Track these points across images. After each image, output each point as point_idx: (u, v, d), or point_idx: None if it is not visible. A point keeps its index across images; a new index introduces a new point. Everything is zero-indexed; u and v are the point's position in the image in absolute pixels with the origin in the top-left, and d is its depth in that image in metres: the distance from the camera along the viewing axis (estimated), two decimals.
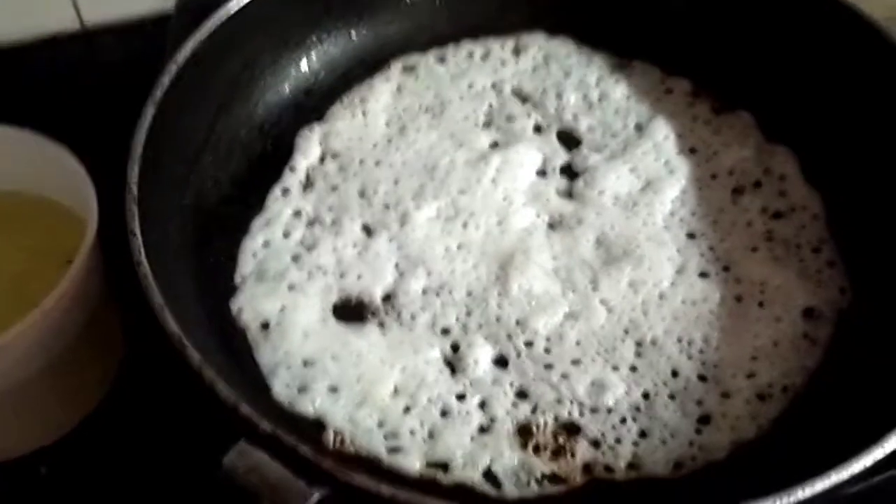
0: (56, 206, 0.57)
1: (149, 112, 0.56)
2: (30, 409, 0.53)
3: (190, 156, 0.62)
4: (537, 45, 0.76)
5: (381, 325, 0.57)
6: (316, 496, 0.38)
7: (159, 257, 0.51)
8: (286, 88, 0.71)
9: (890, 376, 0.52)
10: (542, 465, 0.51)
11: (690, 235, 0.62)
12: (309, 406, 0.53)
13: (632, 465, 0.51)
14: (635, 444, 0.52)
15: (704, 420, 0.53)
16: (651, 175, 0.66)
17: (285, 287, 0.59)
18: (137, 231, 0.49)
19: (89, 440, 0.56)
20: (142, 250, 0.48)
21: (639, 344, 0.56)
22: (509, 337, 0.57)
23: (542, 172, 0.67)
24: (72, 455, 0.56)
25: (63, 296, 0.49)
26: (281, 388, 0.54)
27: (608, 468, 0.51)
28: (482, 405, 0.54)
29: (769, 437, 0.52)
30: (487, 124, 0.70)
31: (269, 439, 0.41)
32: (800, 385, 0.55)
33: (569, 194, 0.65)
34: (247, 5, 0.64)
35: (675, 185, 0.65)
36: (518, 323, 0.57)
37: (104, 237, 0.52)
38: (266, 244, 0.62)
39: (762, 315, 0.58)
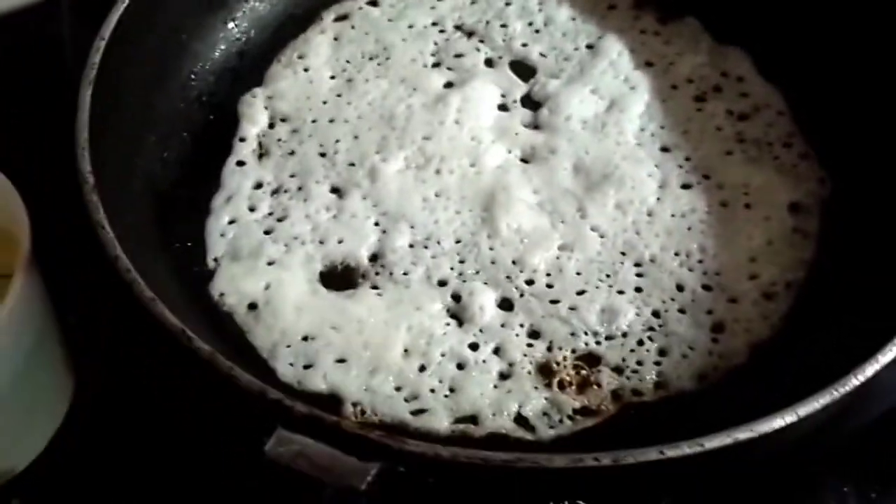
0: None
1: (86, 94, 0.50)
2: None
3: (132, 139, 0.56)
4: None
5: (375, 287, 0.54)
6: (374, 471, 0.36)
7: (131, 250, 0.46)
8: (217, 53, 0.66)
9: (882, 255, 0.53)
10: (571, 401, 0.50)
11: (664, 149, 0.61)
12: (320, 381, 0.50)
13: (658, 385, 0.51)
14: (657, 363, 0.51)
15: (718, 328, 0.53)
16: (613, 94, 0.64)
17: (264, 263, 0.55)
18: (106, 223, 0.45)
19: (59, 465, 0.51)
20: (116, 243, 0.44)
21: (638, 264, 0.56)
22: (509, 278, 0.55)
23: (503, 107, 0.64)
24: (45, 481, 0.51)
25: (5, 319, 0.43)
26: (286, 368, 0.50)
27: (636, 392, 0.50)
28: (497, 351, 0.52)
29: (783, 334, 0.53)
30: (437, 64, 0.67)
31: (307, 420, 0.38)
32: (802, 278, 0.55)
33: (535, 125, 0.63)
34: None
35: (639, 100, 0.64)
36: (514, 262, 0.55)
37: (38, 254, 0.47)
38: (233, 221, 0.57)
39: (751, 216, 0.58)
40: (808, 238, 0.57)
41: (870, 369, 0.41)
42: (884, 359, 0.41)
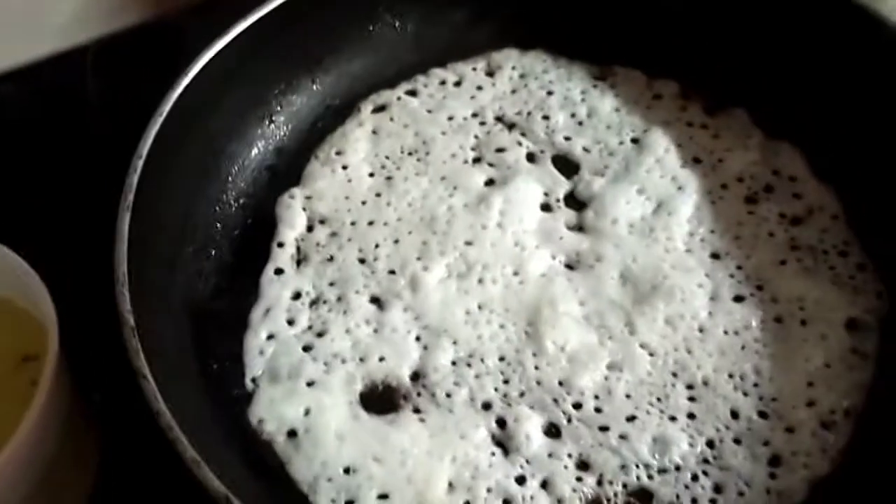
0: (2, 302, 0.52)
1: (124, 222, 0.49)
2: None
3: (170, 255, 0.55)
4: (511, 63, 0.71)
5: (417, 410, 0.53)
6: None
7: (164, 378, 0.45)
8: (254, 153, 0.64)
9: None
10: None
11: (715, 256, 0.59)
12: None
13: None
14: (713, 501, 0.49)
15: (775, 462, 0.51)
16: (661, 194, 0.62)
17: (304, 385, 0.54)
18: (147, 371, 0.44)
19: None
20: (157, 395, 0.43)
21: (690, 387, 0.53)
22: (555, 401, 0.53)
23: (546, 207, 0.63)
24: None
25: (34, 420, 0.44)
26: None
27: None
28: (545, 485, 0.50)
29: (843, 468, 0.50)
30: (478, 160, 0.65)
31: None
32: (860, 404, 0.53)
33: (580, 227, 0.61)
34: (199, 73, 0.58)
35: (688, 201, 0.62)
36: (561, 384, 0.54)
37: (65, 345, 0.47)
38: (271, 337, 0.56)
39: (807, 334, 0.55)
40: (866, 359, 0.54)
41: None
42: None
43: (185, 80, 0.56)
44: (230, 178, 0.62)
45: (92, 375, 0.53)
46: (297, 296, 0.58)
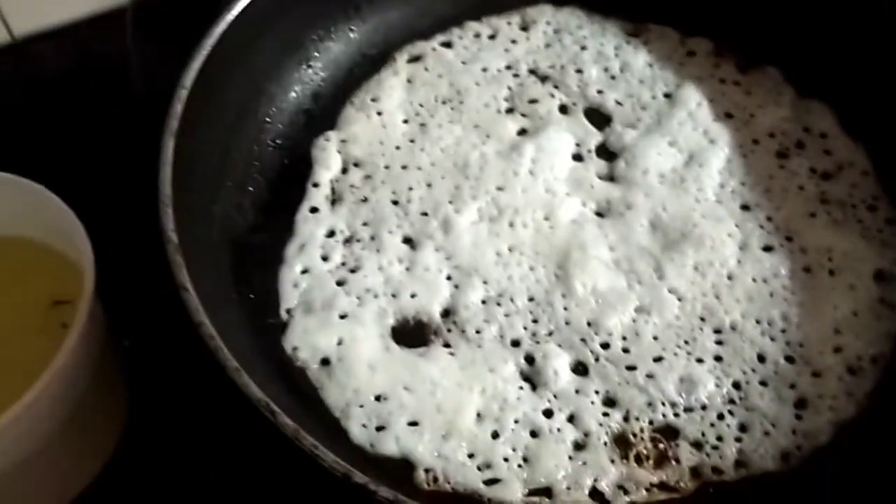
0: (38, 245, 0.53)
1: (168, 146, 0.50)
2: (26, 487, 0.48)
3: (210, 186, 0.57)
4: (545, 18, 0.72)
5: (447, 345, 0.54)
6: None
7: (205, 299, 0.46)
8: (292, 96, 0.65)
9: None
10: (649, 476, 0.49)
11: (745, 207, 0.60)
12: (392, 445, 0.49)
13: (740, 464, 0.49)
14: (738, 440, 0.50)
15: (801, 404, 0.51)
16: (692, 147, 0.63)
17: (336, 317, 0.55)
18: (189, 286, 0.45)
19: (113, 490, 0.52)
20: (200, 307, 0.44)
21: (718, 331, 0.54)
22: (583, 341, 0.54)
23: (577, 157, 0.63)
24: None
25: (63, 365, 0.44)
26: (358, 430, 0.50)
27: (716, 470, 0.49)
28: (571, 419, 0.51)
29: (868, 412, 0.51)
30: (511, 110, 0.66)
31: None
32: (888, 353, 0.53)
33: (611, 177, 0.62)
34: (241, 13, 0.59)
35: (719, 154, 0.62)
36: (590, 324, 0.54)
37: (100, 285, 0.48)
38: (306, 271, 0.57)
39: (835, 284, 0.56)
40: (894, 309, 0.55)
41: None
42: None
43: (229, 18, 0.57)
44: (268, 118, 0.63)
45: (124, 321, 0.54)
46: (331, 233, 0.59)
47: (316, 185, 0.61)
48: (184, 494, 0.52)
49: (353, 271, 0.57)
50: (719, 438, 0.50)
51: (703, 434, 0.50)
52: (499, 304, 0.55)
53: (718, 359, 0.53)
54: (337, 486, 0.40)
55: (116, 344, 0.53)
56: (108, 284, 0.49)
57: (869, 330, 0.54)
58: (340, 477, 0.38)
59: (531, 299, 0.56)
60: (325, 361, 0.53)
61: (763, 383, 0.52)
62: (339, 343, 0.53)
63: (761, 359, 0.53)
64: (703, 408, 0.51)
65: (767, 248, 0.58)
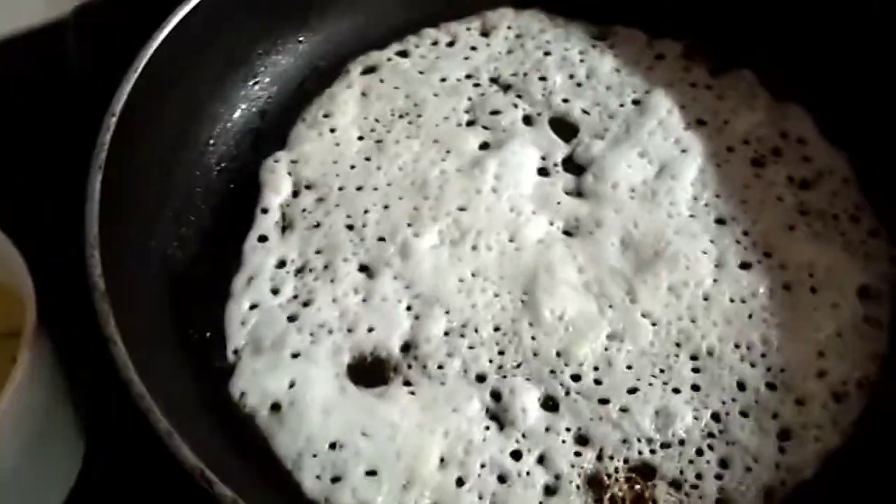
0: None
1: (95, 181, 0.46)
2: None
3: (147, 218, 0.53)
4: (506, 22, 0.68)
5: (408, 382, 0.50)
6: None
7: (139, 347, 0.42)
8: (237, 115, 0.61)
9: None
10: None
11: (720, 221, 0.57)
12: (349, 498, 0.46)
13: (721, 503, 0.46)
14: (718, 476, 0.47)
15: (784, 435, 0.48)
16: (663, 157, 0.60)
17: (288, 356, 0.51)
18: (118, 338, 0.41)
19: None
20: (129, 363, 0.40)
21: (694, 357, 0.51)
22: (553, 373, 0.50)
23: (543, 171, 0.60)
24: None
25: (13, 396, 0.41)
26: (311, 482, 0.46)
27: None
28: (541, 460, 0.48)
29: (856, 442, 0.48)
30: (472, 122, 0.62)
31: None
32: (873, 375, 0.50)
33: (579, 193, 0.59)
34: (177, 26, 0.55)
35: (692, 164, 0.59)
36: (559, 354, 0.51)
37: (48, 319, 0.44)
38: (254, 307, 0.53)
39: (817, 302, 0.53)
40: (880, 328, 0.52)
41: None
42: None
43: (161, 35, 0.53)
44: (212, 140, 0.59)
45: (78, 353, 0.50)
46: (281, 264, 0.55)
47: (265, 211, 0.57)
48: None
49: (305, 304, 0.53)
50: (698, 476, 0.47)
51: (681, 472, 0.47)
52: (462, 336, 0.52)
53: (696, 388, 0.50)
54: None
55: (72, 376, 0.49)
56: (60, 317, 0.46)
57: (854, 351, 0.51)
58: None
59: (497, 329, 0.52)
60: (276, 407, 0.49)
61: (744, 414, 0.49)
62: (291, 385, 0.50)
63: (741, 387, 0.50)
64: (682, 443, 0.48)
65: (745, 266, 0.55)
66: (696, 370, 0.51)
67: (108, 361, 0.49)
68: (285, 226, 0.57)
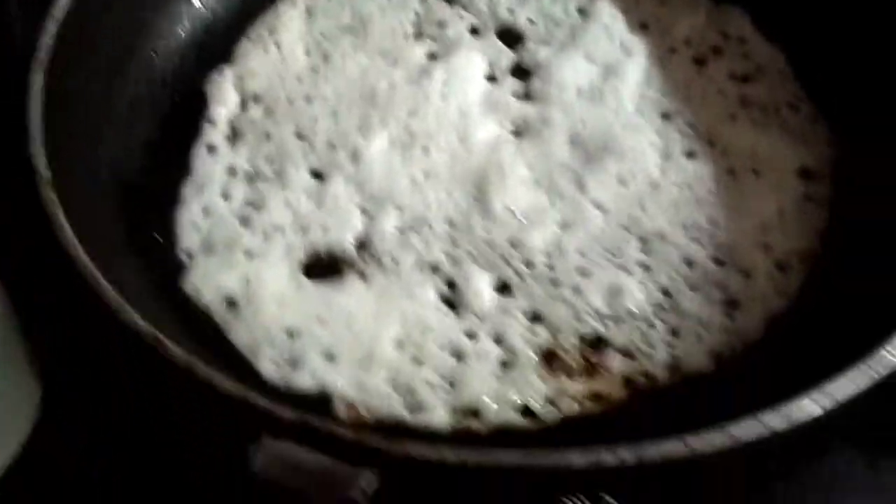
0: None
1: (36, 82, 0.46)
2: None
3: (93, 126, 0.52)
4: None
5: (363, 275, 0.51)
6: (370, 477, 0.32)
7: (95, 251, 0.42)
8: (181, 29, 0.61)
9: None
10: (579, 388, 0.46)
11: (665, 116, 0.58)
12: (308, 380, 0.46)
13: (671, 367, 0.47)
14: (669, 344, 0.48)
15: (732, 304, 0.49)
16: (608, 59, 0.60)
17: (241, 255, 0.51)
18: (64, 223, 0.41)
19: (28, 477, 0.47)
20: (76, 244, 0.40)
21: (643, 240, 0.52)
22: (505, 260, 0.51)
23: (491, 77, 0.60)
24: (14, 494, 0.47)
25: None
26: (269, 367, 0.47)
27: (648, 375, 0.47)
28: (497, 339, 0.48)
29: (800, 307, 0.49)
30: (418, 35, 0.63)
31: (297, 428, 0.34)
32: (816, 248, 0.52)
33: (527, 95, 0.59)
34: None
35: (636, 65, 0.60)
36: (511, 244, 0.52)
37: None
38: (206, 211, 0.53)
39: (760, 184, 0.54)
40: (819, 205, 0.53)
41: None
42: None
43: None
44: (155, 54, 0.59)
45: (35, 312, 0.49)
46: (231, 171, 0.55)
47: (212, 122, 0.57)
48: (102, 480, 0.47)
49: (257, 209, 0.53)
50: (650, 345, 0.48)
51: (632, 342, 0.48)
52: (415, 231, 0.52)
53: (646, 267, 0.51)
54: (245, 422, 0.37)
55: (30, 329, 0.48)
56: (11, 267, 0.45)
57: (795, 227, 0.52)
58: (240, 403, 0.35)
59: (449, 223, 0.53)
60: (231, 302, 0.49)
61: (693, 288, 0.50)
62: (246, 281, 0.50)
63: (689, 264, 0.51)
64: (633, 316, 0.49)
65: (690, 155, 0.56)
66: (645, 252, 0.52)
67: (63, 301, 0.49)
68: (234, 136, 0.57)
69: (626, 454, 0.33)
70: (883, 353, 0.37)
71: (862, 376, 0.36)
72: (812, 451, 0.49)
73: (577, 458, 0.33)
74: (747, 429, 0.34)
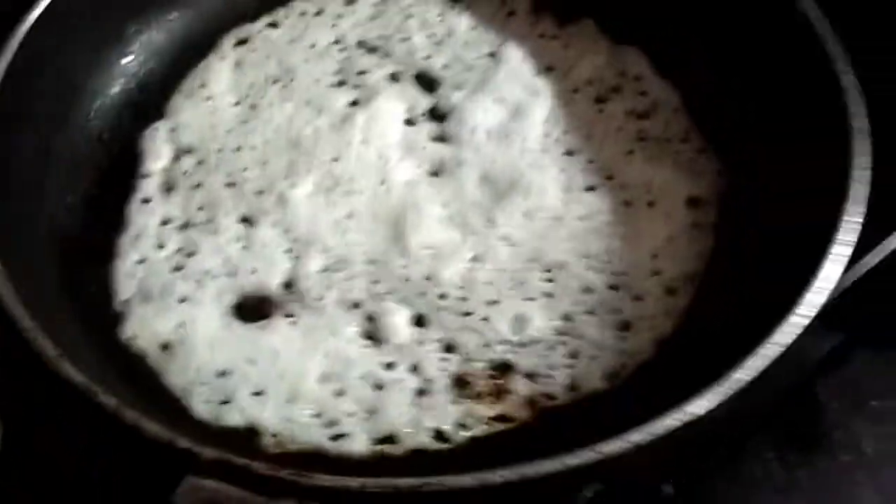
0: None
1: None
2: None
3: (32, 185, 0.56)
4: None
5: (289, 315, 0.55)
6: None
7: (34, 304, 0.46)
8: (115, 89, 0.65)
9: (777, 240, 0.55)
10: (487, 410, 0.51)
11: (568, 153, 0.63)
12: (237, 416, 0.50)
13: (570, 387, 0.52)
14: (569, 366, 0.53)
15: (625, 327, 0.54)
16: (516, 101, 0.65)
17: (175, 301, 0.55)
18: (4, 278, 0.44)
19: None
20: (15, 299, 0.43)
21: (547, 270, 0.57)
22: (421, 294, 0.56)
23: (409, 122, 0.65)
24: None
25: None
26: (201, 406, 0.51)
27: (549, 396, 0.52)
28: (413, 369, 0.53)
29: (686, 327, 0.54)
30: (341, 83, 0.67)
31: (217, 465, 0.38)
32: (701, 271, 0.57)
33: (442, 138, 0.64)
34: (46, 10, 0.58)
35: (542, 106, 0.65)
36: (427, 278, 0.56)
37: None
38: (141, 261, 0.57)
39: (652, 214, 0.59)
40: (705, 231, 0.59)
41: (752, 365, 0.42)
42: (767, 353, 0.43)
43: (32, 17, 0.57)
44: (91, 114, 0.62)
45: None
46: (165, 222, 0.59)
47: (147, 176, 0.61)
48: None
49: (189, 255, 0.57)
50: (551, 367, 0.53)
51: (536, 366, 0.53)
52: (338, 270, 0.57)
53: (549, 295, 0.56)
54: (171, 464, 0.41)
55: None
56: None
57: (684, 251, 0.58)
58: (164, 444, 0.39)
59: (370, 262, 0.57)
60: (165, 346, 0.53)
61: (590, 312, 0.55)
62: (179, 326, 0.54)
63: (588, 290, 0.56)
64: (536, 342, 0.54)
65: (590, 188, 0.61)
66: (548, 280, 0.56)
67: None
68: (167, 188, 0.61)
69: (509, 474, 0.38)
70: (736, 376, 0.42)
71: (716, 396, 0.41)
72: (728, 452, 0.54)
73: (466, 480, 0.38)
74: (613, 445, 0.39)
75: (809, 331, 0.52)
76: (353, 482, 0.38)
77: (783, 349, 0.44)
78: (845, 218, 0.48)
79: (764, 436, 0.55)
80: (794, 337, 0.44)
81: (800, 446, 0.55)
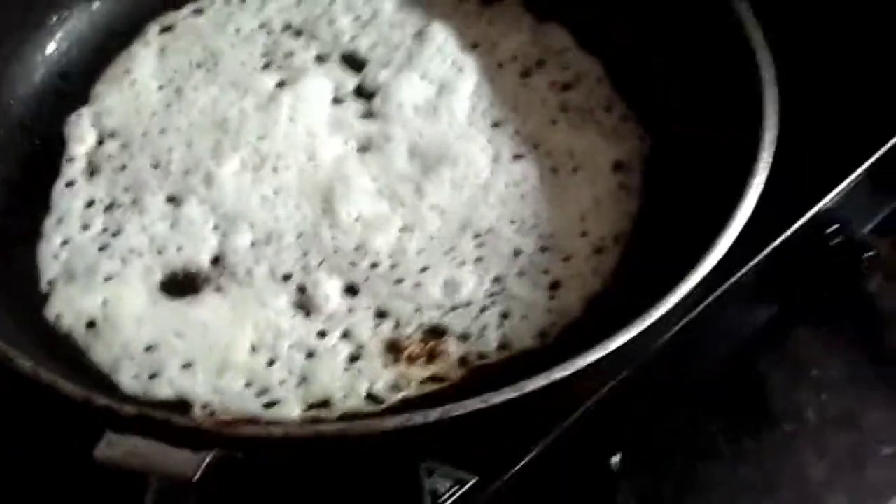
0: None
1: None
2: None
3: None
4: None
5: (219, 289, 0.54)
6: (207, 460, 0.36)
7: None
8: (37, 77, 0.64)
9: (699, 200, 0.57)
10: (420, 372, 0.51)
11: (495, 125, 0.64)
12: (167, 388, 0.49)
13: (502, 346, 0.52)
14: (500, 326, 0.53)
15: (555, 286, 0.55)
16: (442, 77, 0.66)
17: (101, 280, 0.54)
18: None
19: None
20: None
21: (477, 235, 0.57)
22: (352, 264, 0.56)
23: (337, 100, 0.65)
24: None
25: None
26: (129, 381, 0.50)
27: (481, 355, 0.52)
28: (345, 335, 0.53)
29: (614, 285, 0.55)
30: (267, 66, 0.67)
31: (137, 421, 0.37)
32: (628, 231, 0.58)
33: (370, 114, 0.64)
34: None
35: (468, 81, 0.66)
36: (357, 249, 0.57)
37: None
38: (65, 243, 0.56)
39: (578, 179, 0.60)
40: (631, 193, 0.60)
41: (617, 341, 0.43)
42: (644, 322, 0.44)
43: None
44: (12, 102, 0.61)
45: None
46: (90, 204, 0.58)
47: (70, 160, 0.60)
48: None
49: (115, 235, 0.57)
50: (483, 328, 0.53)
51: (468, 327, 0.53)
52: (267, 245, 0.57)
53: (479, 260, 0.56)
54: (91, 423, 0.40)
55: None
56: None
57: (610, 213, 0.59)
58: (82, 403, 0.38)
59: (299, 235, 0.57)
60: (91, 324, 0.52)
61: (520, 274, 0.56)
62: (105, 304, 0.53)
63: (517, 253, 0.57)
64: (468, 304, 0.54)
65: (517, 157, 0.62)
66: (478, 245, 0.57)
67: None
68: (92, 171, 0.60)
69: (434, 414, 0.38)
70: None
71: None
72: (675, 427, 0.55)
73: (390, 423, 0.38)
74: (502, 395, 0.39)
75: (738, 297, 0.53)
76: (277, 429, 0.37)
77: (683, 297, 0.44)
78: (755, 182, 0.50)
79: (709, 409, 0.56)
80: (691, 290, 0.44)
81: (744, 418, 0.56)
